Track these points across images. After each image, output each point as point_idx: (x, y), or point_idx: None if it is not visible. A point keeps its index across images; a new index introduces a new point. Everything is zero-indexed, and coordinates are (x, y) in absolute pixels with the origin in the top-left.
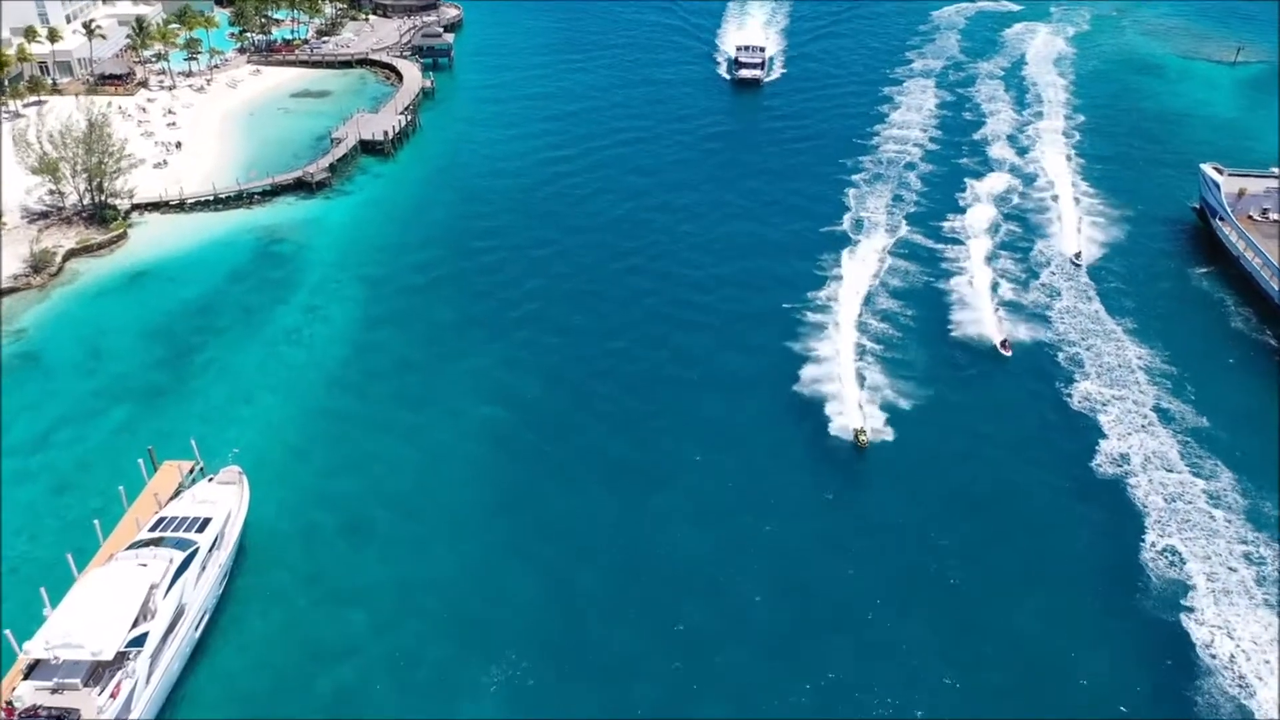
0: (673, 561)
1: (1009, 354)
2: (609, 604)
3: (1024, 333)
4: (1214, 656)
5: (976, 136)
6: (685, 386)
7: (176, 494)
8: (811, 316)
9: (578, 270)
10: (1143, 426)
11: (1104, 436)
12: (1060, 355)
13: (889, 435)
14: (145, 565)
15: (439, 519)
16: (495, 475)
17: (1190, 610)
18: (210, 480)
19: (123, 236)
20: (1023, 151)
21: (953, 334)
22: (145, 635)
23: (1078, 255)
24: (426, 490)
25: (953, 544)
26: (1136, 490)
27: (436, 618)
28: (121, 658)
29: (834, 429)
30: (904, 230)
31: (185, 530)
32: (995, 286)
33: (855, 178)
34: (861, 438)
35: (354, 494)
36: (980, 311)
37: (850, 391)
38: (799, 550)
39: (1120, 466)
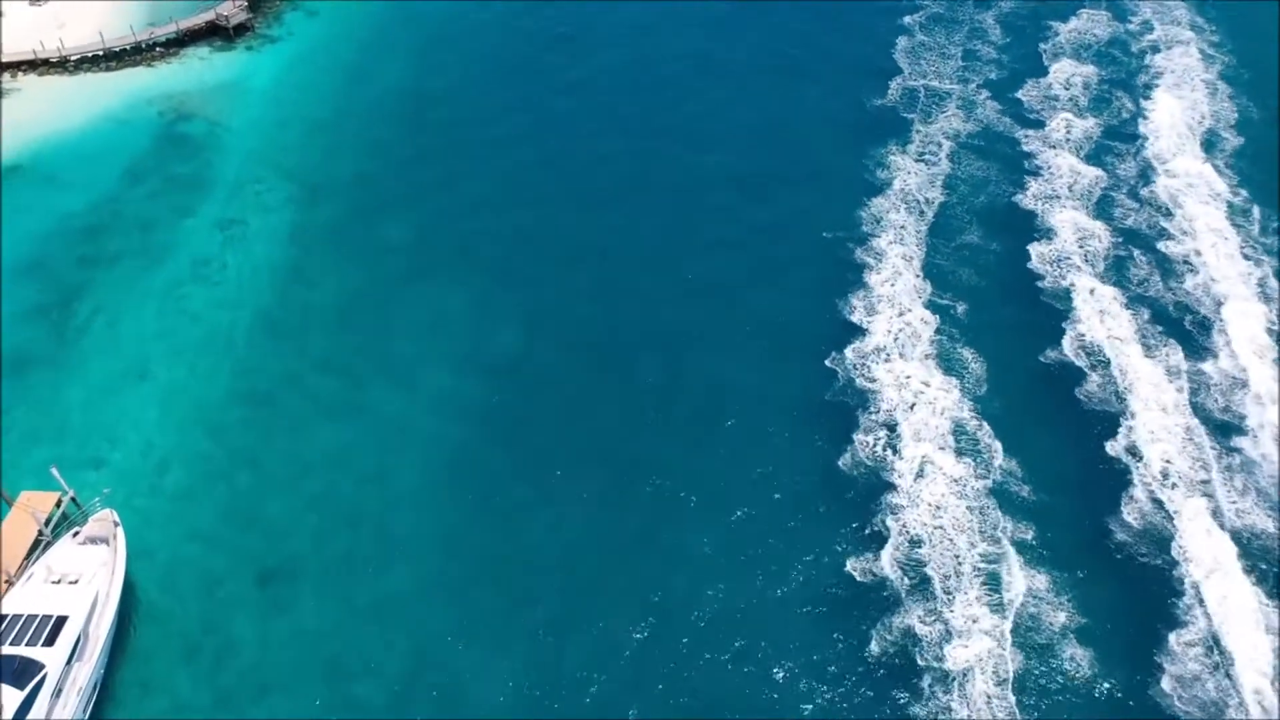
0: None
1: None
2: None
3: None
4: None
5: None
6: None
7: (31, 554)
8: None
9: (567, 166)
10: None
11: None
12: None
13: None
14: None
15: (390, 554)
16: (465, 485)
17: None
18: (75, 536)
19: None
20: None
21: None
22: None
23: None
24: (374, 512)
25: None
26: None
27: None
28: None
29: None
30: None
31: (30, 642)
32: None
33: (909, 20)
34: None
35: (276, 524)
36: None
37: None
38: None
39: None
